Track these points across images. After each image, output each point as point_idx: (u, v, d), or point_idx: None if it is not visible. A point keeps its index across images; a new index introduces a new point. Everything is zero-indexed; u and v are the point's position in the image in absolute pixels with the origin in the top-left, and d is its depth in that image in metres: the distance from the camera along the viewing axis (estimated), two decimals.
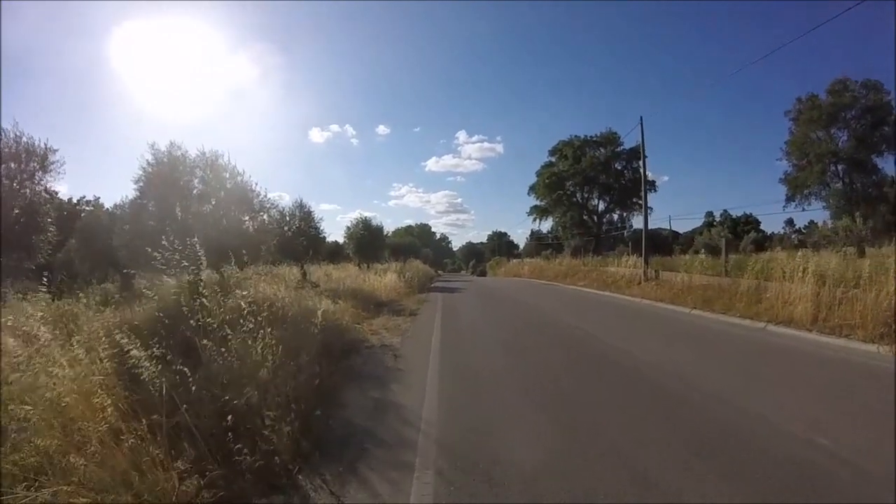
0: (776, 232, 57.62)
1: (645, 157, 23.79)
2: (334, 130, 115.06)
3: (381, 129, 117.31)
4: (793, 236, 50.54)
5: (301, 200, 21.97)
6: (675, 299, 15.76)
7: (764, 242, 41.55)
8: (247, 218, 14.35)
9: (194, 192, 13.20)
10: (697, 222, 62.28)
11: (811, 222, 55.01)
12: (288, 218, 21.43)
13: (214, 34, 65.14)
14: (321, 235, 22.71)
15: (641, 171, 23.39)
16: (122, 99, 71.86)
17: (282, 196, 43.34)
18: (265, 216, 15.18)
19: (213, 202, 13.50)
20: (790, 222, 59.15)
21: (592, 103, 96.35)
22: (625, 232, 55.74)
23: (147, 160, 12.37)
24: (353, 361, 7.94)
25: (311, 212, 21.99)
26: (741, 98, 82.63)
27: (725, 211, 60.71)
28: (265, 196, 14.85)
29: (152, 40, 63.27)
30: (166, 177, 12.46)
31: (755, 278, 14.19)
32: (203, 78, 73.31)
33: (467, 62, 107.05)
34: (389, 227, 63.81)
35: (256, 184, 14.22)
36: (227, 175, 13.93)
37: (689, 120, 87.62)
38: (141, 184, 12.70)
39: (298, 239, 21.56)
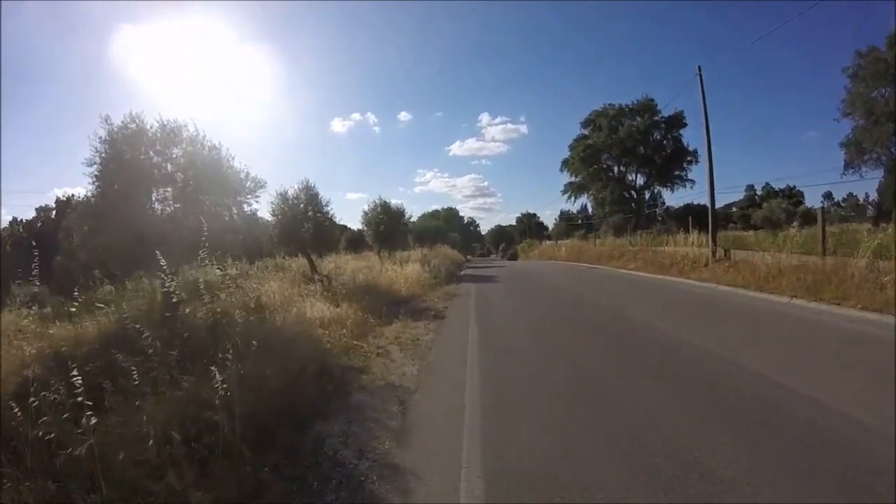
0: (813, 206, 53.45)
1: (707, 115, 20.03)
2: (356, 119, 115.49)
3: (403, 116, 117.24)
4: (832, 210, 47.07)
5: (307, 182, 18.77)
6: (764, 285, 12.61)
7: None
8: (226, 206, 11.51)
9: (155, 173, 10.41)
10: (733, 196, 58.95)
11: (850, 194, 51.29)
12: (291, 202, 18.37)
13: (229, 27, 64.86)
14: (329, 221, 19.50)
15: (704, 131, 19.63)
16: (134, 97, 70.60)
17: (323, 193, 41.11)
18: (253, 201, 12.30)
19: (182, 186, 10.75)
20: (828, 195, 55.34)
21: (618, 74, 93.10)
22: (657, 210, 52.06)
23: (100, 138, 9.57)
24: (324, 429, 4.72)
25: (317, 194, 18.81)
26: (775, 66, 77.91)
27: (767, 184, 56.57)
28: (253, 176, 12.04)
29: (161, 35, 63.08)
30: (126, 159, 9.73)
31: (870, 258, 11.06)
32: (219, 74, 73.49)
33: (485, 43, 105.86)
34: (416, 212, 61.11)
35: (232, 158, 11.39)
36: (199, 150, 11.16)
37: (721, 89, 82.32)
38: (95, 170, 9.91)
39: (304, 226, 18.53)
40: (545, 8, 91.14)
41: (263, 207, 19.20)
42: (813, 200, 60.68)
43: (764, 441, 3.79)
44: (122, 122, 9.77)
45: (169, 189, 10.77)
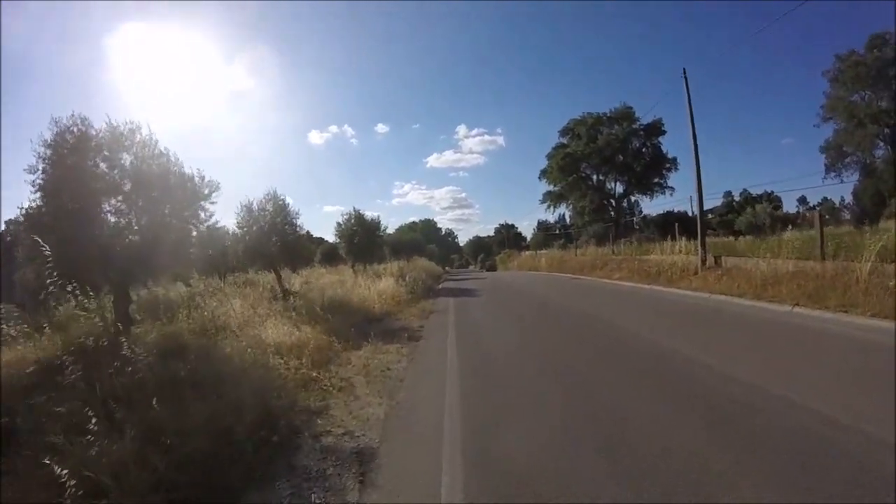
0: (788, 211, 53.70)
1: (693, 118, 19.17)
2: (333, 131, 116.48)
3: (381, 128, 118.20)
4: (806, 214, 47.06)
5: (274, 192, 17.46)
6: (762, 293, 11.78)
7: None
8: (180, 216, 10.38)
9: (100, 182, 9.25)
10: (711, 202, 58.68)
11: (825, 199, 51.65)
12: (256, 214, 17.07)
13: (208, 41, 64.06)
14: (298, 233, 18.23)
15: (691, 134, 18.79)
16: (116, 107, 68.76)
17: (291, 203, 40.04)
18: (208, 205, 11.13)
19: (129, 195, 9.60)
20: (803, 200, 55.64)
21: (596, 85, 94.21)
22: (633, 218, 51.60)
23: (44, 141, 8.43)
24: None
25: (285, 204, 17.54)
26: (750, 74, 78.99)
27: (745, 190, 56.23)
28: (208, 181, 10.90)
29: (145, 48, 62.20)
30: (69, 166, 8.54)
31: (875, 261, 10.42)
32: (197, 85, 72.90)
33: (462, 56, 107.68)
34: (394, 224, 60.12)
35: (181, 164, 10.29)
36: (147, 156, 10.01)
37: (697, 97, 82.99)
38: (39, 178, 8.72)
39: (271, 239, 17.24)
40: (522, 20, 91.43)
41: (230, 219, 18.09)
42: (788, 206, 60.98)
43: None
44: (65, 124, 8.61)
45: (120, 199, 9.69)
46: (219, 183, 10.89)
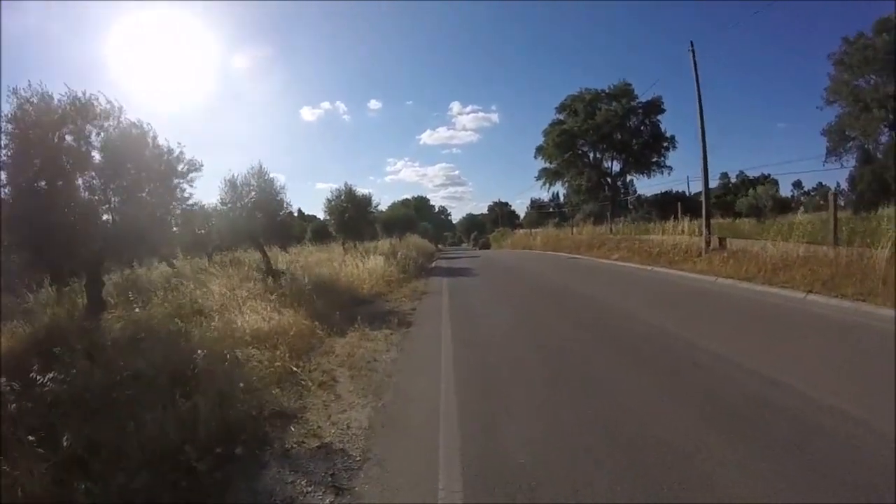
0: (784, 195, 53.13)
1: (700, 93, 18.28)
2: (325, 108, 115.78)
3: (373, 104, 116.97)
4: (802, 199, 46.56)
5: (260, 166, 16.46)
6: (772, 278, 11.19)
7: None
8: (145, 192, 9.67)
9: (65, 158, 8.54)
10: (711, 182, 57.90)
11: (819, 184, 51.28)
12: (240, 190, 16.13)
13: (196, 18, 62.77)
14: (285, 209, 17.33)
15: (698, 110, 17.87)
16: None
17: (277, 177, 39.24)
18: (187, 186, 10.44)
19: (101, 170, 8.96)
20: (798, 184, 54.99)
21: (592, 63, 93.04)
22: (627, 198, 50.84)
23: (6, 115, 7.93)
24: None
25: (270, 179, 16.58)
26: (748, 57, 77.87)
27: (742, 172, 55.54)
28: (189, 159, 10.24)
29: (138, 34, 60.88)
30: (32, 140, 8.05)
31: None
32: (185, 65, 71.60)
33: (455, 31, 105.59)
34: (386, 202, 59.15)
35: (155, 136, 9.61)
36: (112, 126, 9.32)
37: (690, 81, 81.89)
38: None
39: (255, 215, 16.34)
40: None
41: (214, 196, 17.19)
42: (783, 190, 60.63)
43: None
44: (23, 95, 8.02)
45: (93, 174, 9.01)
46: (201, 163, 10.25)
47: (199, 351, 5.29)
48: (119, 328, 7.80)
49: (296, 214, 52.59)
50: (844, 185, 47.71)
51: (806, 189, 55.89)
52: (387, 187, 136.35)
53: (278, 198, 16.70)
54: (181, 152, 9.82)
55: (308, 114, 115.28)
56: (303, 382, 5.44)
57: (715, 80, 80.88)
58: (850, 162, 34.95)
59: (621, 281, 14.56)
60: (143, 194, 9.70)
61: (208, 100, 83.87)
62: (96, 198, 9.03)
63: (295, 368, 5.81)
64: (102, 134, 9.04)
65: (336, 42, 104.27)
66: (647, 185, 59.44)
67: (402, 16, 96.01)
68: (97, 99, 8.88)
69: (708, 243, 16.56)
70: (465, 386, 5.10)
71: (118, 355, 5.62)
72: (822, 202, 44.71)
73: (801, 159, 79.24)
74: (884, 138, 32.75)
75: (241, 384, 4.72)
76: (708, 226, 17.35)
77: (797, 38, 74.15)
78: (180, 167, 10.14)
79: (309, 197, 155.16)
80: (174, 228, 12.02)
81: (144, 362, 5.21)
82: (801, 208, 18.12)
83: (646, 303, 10.05)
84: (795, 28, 72.49)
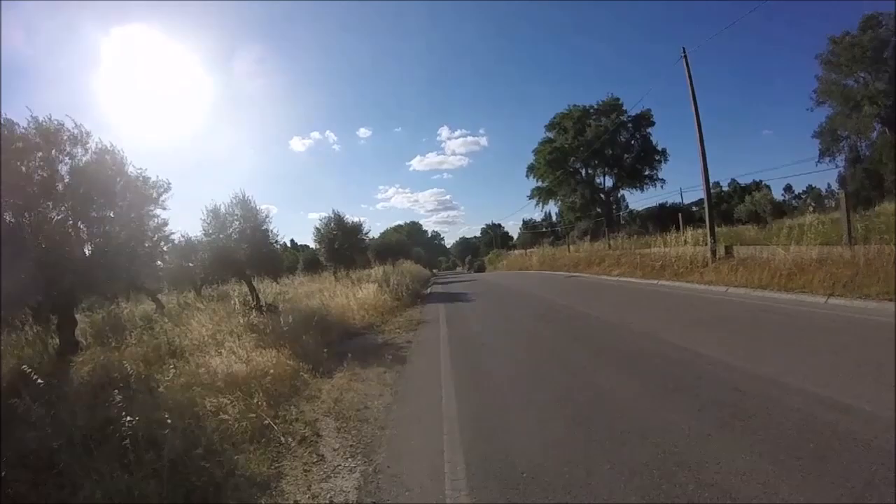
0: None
1: (696, 99, 17.63)
2: (315, 137, 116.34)
3: (363, 132, 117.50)
4: (792, 203, 46.06)
5: (243, 194, 15.64)
6: (787, 284, 10.71)
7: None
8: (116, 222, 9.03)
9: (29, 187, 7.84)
10: (697, 195, 58.05)
11: (810, 187, 51.16)
12: (223, 219, 15.29)
13: (186, 51, 62.93)
14: (270, 238, 16.48)
15: (694, 113, 17.26)
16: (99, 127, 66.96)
17: (270, 209, 38.78)
18: (159, 210, 9.83)
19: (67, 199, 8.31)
20: (788, 188, 54.73)
21: (577, 83, 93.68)
22: (620, 213, 50.36)
23: None
24: None
25: (255, 208, 15.76)
26: (732, 66, 78.33)
27: (733, 180, 55.08)
28: (154, 181, 9.60)
29: (123, 59, 60.99)
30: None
31: None
32: (174, 98, 71.82)
33: (442, 57, 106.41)
34: (378, 229, 58.50)
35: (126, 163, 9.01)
36: (80, 153, 8.62)
37: (682, 89, 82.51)
38: None
39: (241, 246, 15.49)
40: (501, 17, 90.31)
41: (196, 227, 16.43)
42: (774, 195, 60.49)
43: None
44: None
45: (64, 207, 8.35)
46: (169, 182, 9.66)
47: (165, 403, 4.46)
48: (86, 373, 7.02)
49: (288, 244, 52.08)
50: (835, 186, 47.91)
51: (796, 192, 55.46)
52: (379, 215, 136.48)
53: (263, 227, 15.91)
54: (146, 176, 9.24)
55: (298, 144, 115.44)
56: (279, 440, 4.56)
57: (698, 89, 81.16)
58: (844, 162, 34.77)
59: (630, 298, 13.64)
60: (113, 226, 9.10)
61: (195, 133, 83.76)
62: (66, 230, 8.36)
63: (271, 420, 4.92)
64: (70, 161, 8.45)
65: (325, 71, 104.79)
66: (639, 199, 59.22)
67: (388, 44, 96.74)
68: (62, 124, 8.30)
69: (714, 252, 15.87)
70: (474, 442, 4.16)
71: (78, 405, 4.82)
72: (813, 204, 44.34)
73: (788, 164, 79.23)
74: (875, 135, 32.50)
75: (200, 449, 3.84)
76: (713, 234, 16.64)
77: (780, 43, 74.56)
78: (151, 193, 9.54)
79: (301, 227, 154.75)
80: (158, 262, 11.35)
81: (98, 420, 4.41)
82: (811, 208, 17.33)
83: (664, 321, 9.13)
84: (777, 33, 72.83)
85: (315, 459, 4.15)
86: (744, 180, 51.79)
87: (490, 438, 4.22)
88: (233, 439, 4.46)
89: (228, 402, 5.24)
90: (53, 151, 8.21)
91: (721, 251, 15.83)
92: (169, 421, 4.03)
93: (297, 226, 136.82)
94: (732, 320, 8.55)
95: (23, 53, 58.37)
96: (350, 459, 4.08)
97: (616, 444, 3.75)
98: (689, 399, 4.58)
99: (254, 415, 4.97)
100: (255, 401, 5.32)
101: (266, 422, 4.84)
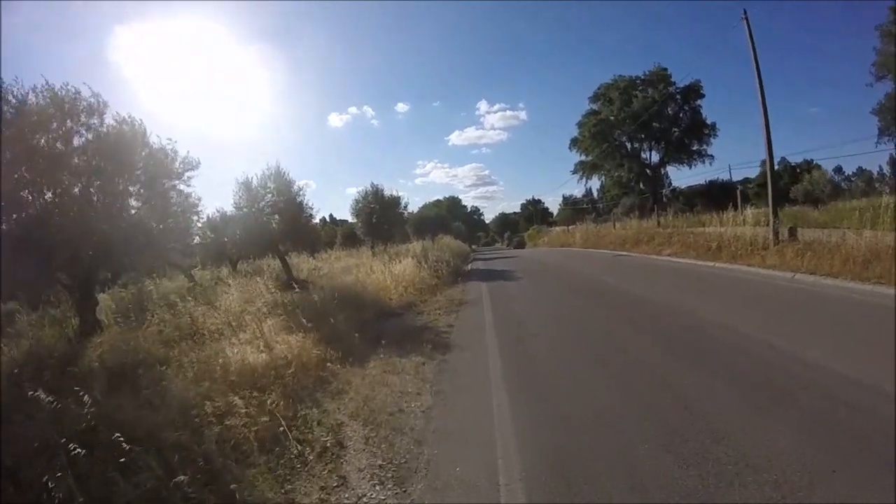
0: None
1: (758, 63, 16.12)
2: (353, 113, 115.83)
3: (401, 107, 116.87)
4: (842, 185, 43.30)
5: (277, 167, 15.06)
6: (861, 273, 9.58)
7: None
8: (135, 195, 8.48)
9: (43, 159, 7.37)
10: (748, 171, 55.37)
11: (860, 168, 48.30)
12: (255, 192, 14.72)
13: (224, 28, 63.80)
14: (306, 213, 15.88)
15: (756, 77, 15.74)
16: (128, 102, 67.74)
17: (308, 184, 38.57)
18: (182, 186, 9.27)
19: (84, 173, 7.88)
20: (839, 170, 51.70)
21: (617, 56, 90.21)
22: (664, 191, 48.18)
23: None
24: None
25: (288, 181, 15.16)
26: (782, 41, 73.96)
27: (784, 158, 52.19)
28: (183, 157, 9.13)
29: (157, 36, 61.71)
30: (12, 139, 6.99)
31: None
32: (211, 78, 72.27)
33: (481, 30, 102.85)
34: (417, 204, 57.65)
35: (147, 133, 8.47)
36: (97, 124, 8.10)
37: (729, 65, 78.54)
38: None
39: (273, 219, 14.94)
40: None
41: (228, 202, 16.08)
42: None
43: None
44: None
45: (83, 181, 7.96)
46: (198, 160, 9.15)
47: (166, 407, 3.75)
48: (100, 356, 6.44)
49: (327, 220, 51.86)
50: (886, 169, 45.03)
51: (846, 174, 52.43)
52: (417, 189, 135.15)
53: (298, 199, 15.31)
54: (173, 149, 8.67)
55: (336, 120, 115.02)
56: (297, 451, 3.80)
57: (743, 67, 77.19)
58: None
59: (688, 282, 12.46)
60: (133, 200, 8.57)
61: (233, 110, 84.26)
62: (84, 204, 7.85)
63: (289, 425, 4.16)
64: (87, 133, 7.88)
65: (361, 46, 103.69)
66: (686, 176, 56.98)
67: (426, 17, 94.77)
68: (79, 92, 7.77)
69: (776, 234, 14.56)
70: (536, 473, 3.25)
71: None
72: (864, 186, 41.81)
73: (839, 143, 74.44)
74: None
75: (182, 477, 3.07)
76: (775, 213, 15.29)
77: (829, 17, 69.94)
78: (176, 167, 8.96)
79: (339, 202, 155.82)
80: (189, 239, 10.88)
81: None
82: (888, 188, 15.77)
83: (732, 309, 8.08)
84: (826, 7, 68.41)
85: (335, 483, 3.39)
86: (795, 159, 49.24)
87: (559, 470, 3.29)
88: (240, 450, 3.71)
89: (240, 401, 4.49)
90: (69, 122, 7.69)
91: (784, 233, 14.54)
92: None
93: (335, 200, 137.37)
94: (814, 313, 7.48)
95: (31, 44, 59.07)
96: (378, 487, 3.29)
97: (681, 429, 2.87)
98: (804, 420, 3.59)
99: (267, 418, 4.22)
100: (270, 400, 4.57)
101: (281, 428, 4.07)
